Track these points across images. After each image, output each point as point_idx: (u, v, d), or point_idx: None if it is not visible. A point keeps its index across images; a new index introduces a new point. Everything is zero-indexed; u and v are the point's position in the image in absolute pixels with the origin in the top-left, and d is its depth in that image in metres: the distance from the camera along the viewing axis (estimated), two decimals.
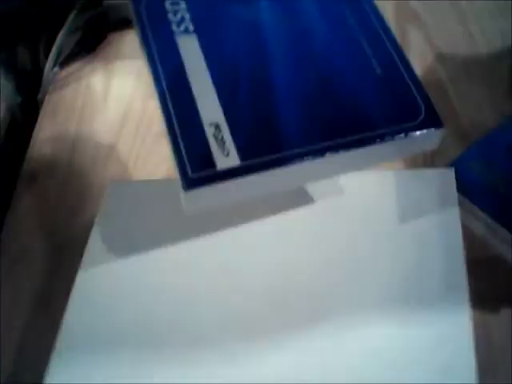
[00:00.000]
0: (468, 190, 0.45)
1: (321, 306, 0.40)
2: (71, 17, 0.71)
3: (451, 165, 0.47)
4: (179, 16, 0.43)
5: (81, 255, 0.47)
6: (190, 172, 0.37)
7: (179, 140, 0.38)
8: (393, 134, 0.39)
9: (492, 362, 0.41)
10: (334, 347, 0.39)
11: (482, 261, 0.46)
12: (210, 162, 0.37)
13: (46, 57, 0.71)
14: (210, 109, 0.39)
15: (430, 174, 0.47)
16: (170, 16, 0.43)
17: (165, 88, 0.40)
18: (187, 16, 0.43)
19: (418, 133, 0.40)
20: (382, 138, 0.39)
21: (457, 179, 0.46)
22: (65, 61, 0.72)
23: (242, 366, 0.38)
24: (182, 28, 0.42)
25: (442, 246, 0.42)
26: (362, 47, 0.42)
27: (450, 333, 0.38)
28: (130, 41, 0.74)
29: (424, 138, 0.40)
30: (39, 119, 0.68)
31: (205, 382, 0.39)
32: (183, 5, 0.43)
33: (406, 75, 0.41)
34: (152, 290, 0.43)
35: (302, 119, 0.39)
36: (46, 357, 0.41)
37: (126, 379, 0.39)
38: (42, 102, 0.69)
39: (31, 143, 0.65)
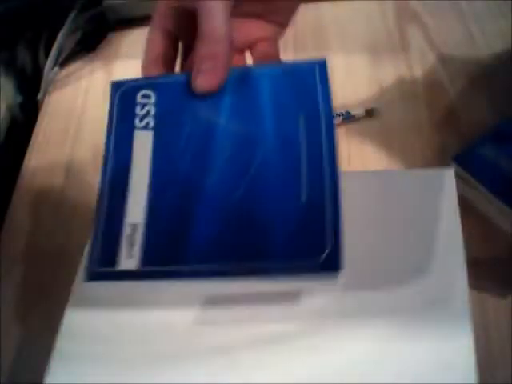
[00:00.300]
0: (480, 174, 0.45)
1: (319, 304, 0.40)
2: (71, 17, 0.71)
3: (464, 151, 0.47)
4: (145, 110, 0.43)
5: (81, 255, 0.47)
6: (91, 265, 0.41)
7: (98, 233, 0.41)
8: (287, 271, 0.38)
9: (492, 362, 0.41)
10: (333, 346, 0.39)
11: (482, 261, 0.46)
12: (112, 260, 0.40)
13: (46, 57, 0.71)
14: (135, 208, 0.41)
15: (430, 173, 0.47)
16: (138, 109, 0.43)
17: (106, 180, 0.42)
18: (152, 111, 0.43)
19: (312, 273, 0.38)
20: (275, 271, 0.38)
21: (470, 164, 0.45)
22: (65, 61, 0.72)
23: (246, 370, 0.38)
24: (144, 123, 0.43)
25: (442, 246, 0.42)
26: (298, 169, 0.39)
27: (450, 333, 0.38)
28: (129, 41, 0.74)
29: (319, 277, 0.39)
30: (39, 119, 0.68)
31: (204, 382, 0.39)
32: (153, 99, 0.43)
33: (327, 209, 0.38)
34: (152, 287, 0.43)
35: (213, 235, 0.39)
36: (45, 357, 0.41)
37: (125, 379, 0.39)
38: (42, 102, 0.69)
39: (31, 143, 0.65)
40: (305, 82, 0.41)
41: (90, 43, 0.73)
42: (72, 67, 0.72)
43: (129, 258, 0.40)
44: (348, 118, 0.60)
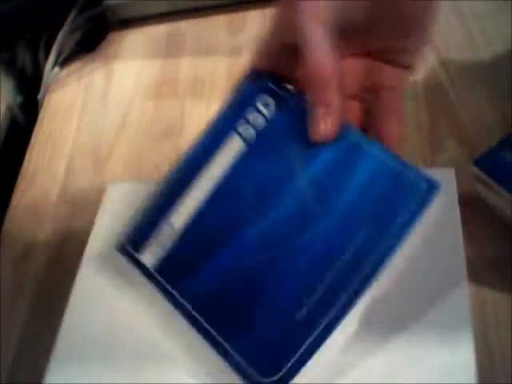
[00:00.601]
0: (502, 177, 0.45)
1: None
2: (71, 17, 0.71)
3: (485, 154, 0.47)
4: (257, 119, 0.40)
5: (81, 256, 0.47)
6: (125, 238, 0.43)
7: (144, 214, 0.43)
8: (237, 371, 0.37)
9: (492, 362, 0.41)
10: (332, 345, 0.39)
11: (481, 261, 0.46)
12: (138, 246, 0.42)
13: (46, 57, 0.71)
14: (183, 212, 0.41)
15: (430, 173, 0.47)
16: (250, 113, 0.41)
17: (179, 167, 0.42)
18: (262, 124, 0.40)
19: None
20: (230, 363, 0.37)
21: (491, 167, 0.45)
22: (65, 61, 0.72)
23: None
24: (246, 131, 0.40)
25: (442, 246, 0.42)
26: (322, 277, 0.36)
27: (450, 333, 0.38)
28: (130, 41, 0.74)
29: None
30: (39, 119, 0.68)
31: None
32: (270, 112, 0.40)
33: (314, 331, 0.36)
34: (151, 288, 0.43)
35: (214, 284, 0.39)
36: (45, 357, 0.41)
37: (125, 379, 0.39)
38: (42, 102, 0.69)
39: (31, 143, 0.65)
40: (403, 194, 0.37)
41: (89, 43, 0.73)
42: (72, 67, 0.72)
43: (149, 254, 0.41)
44: None
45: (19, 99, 0.72)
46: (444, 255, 0.42)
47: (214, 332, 0.38)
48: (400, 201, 0.36)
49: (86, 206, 0.57)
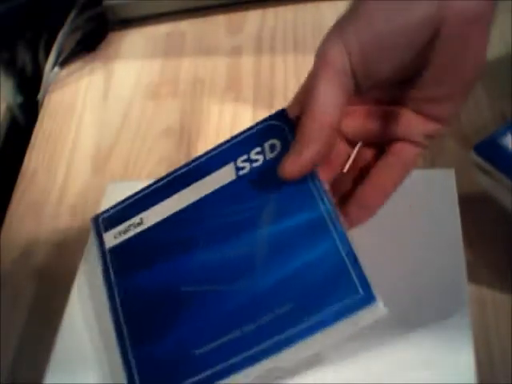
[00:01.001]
0: (502, 163, 0.45)
1: None
2: (71, 17, 0.71)
3: (485, 141, 0.47)
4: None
5: (81, 256, 0.47)
6: (102, 215, 0.46)
7: (125, 201, 0.45)
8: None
9: (492, 362, 0.41)
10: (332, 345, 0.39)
11: (481, 261, 0.46)
12: (109, 226, 0.44)
13: (46, 57, 0.71)
14: (157, 209, 0.43)
15: (430, 174, 0.47)
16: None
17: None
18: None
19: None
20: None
21: (491, 153, 0.45)
22: (65, 61, 0.72)
23: None
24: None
25: (442, 246, 0.42)
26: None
27: (450, 333, 0.38)
28: (129, 41, 0.74)
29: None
30: (39, 119, 0.68)
31: None
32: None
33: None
34: None
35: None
36: (45, 357, 0.41)
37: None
38: (42, 102, 0.69)
39: (31, 143, 0.65)
40: (338, 291, 0.35)
41: (89, 43, 0.73)
42: (72, 67, 0.72)
43: (112, 236, 0.44)
44: None
45: (19, 99, 0.72)
46: (444, 255, 0.42)
47: (125, 331, 0.40)
48: (333, 296, 0.35)
49: (86, 206, 0.57)
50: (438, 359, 0.37)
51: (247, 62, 0.68)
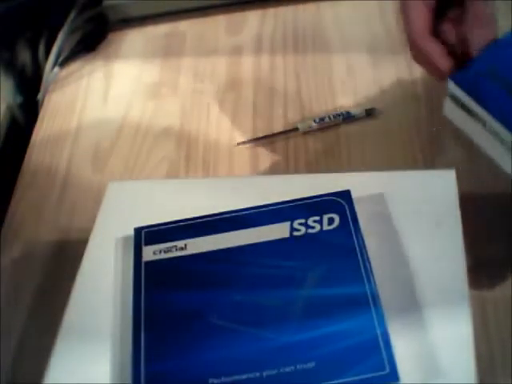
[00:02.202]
0: (479, 94, 0.44)
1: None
2: (71, 17, 0.71)
3: (462, 72, 0.46)
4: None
5: (81, 255, 0.47)
6: (145, 228, 0.46)
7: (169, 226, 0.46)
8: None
9: (492, 361, 0.41)
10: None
11: (481, 261, 0.46)
12: (151, 241, 0.45)
13: (46, 57, 0.71)
14: (199, 242, 0.45)
15: (431, 174, 0.47)
16: None
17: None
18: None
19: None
20: None
21: (468, 84, 0.44)
22: (65, 61, 0.72)
23: None
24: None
25: (442, 247, 0.42)
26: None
27: (450, 333, 0.38)
28: (129, 41, 0.74)
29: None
30: (39, 119, 0.68)
31: None
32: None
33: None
34: None
35: None
36: (45, 357, 0.41)
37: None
38: (42, 102, 0.69)
39: (31, 143, 0.65)
40: (364, 367, 0.37)
41: (89, 43, 0.73)
42: (72, 67, 0.72)
43: (152, 251, 0.44)
44: (348, 117, 0.60)
45: (19, 99, 0.71)
46: (444, 255, 0.42)
47: (142, 341, 0.40)
48: (359, 366, 0.37)
49: (86, 206, 0.57)
50: (438, 360, 0.37)
51: (247, 62, 0.68)
